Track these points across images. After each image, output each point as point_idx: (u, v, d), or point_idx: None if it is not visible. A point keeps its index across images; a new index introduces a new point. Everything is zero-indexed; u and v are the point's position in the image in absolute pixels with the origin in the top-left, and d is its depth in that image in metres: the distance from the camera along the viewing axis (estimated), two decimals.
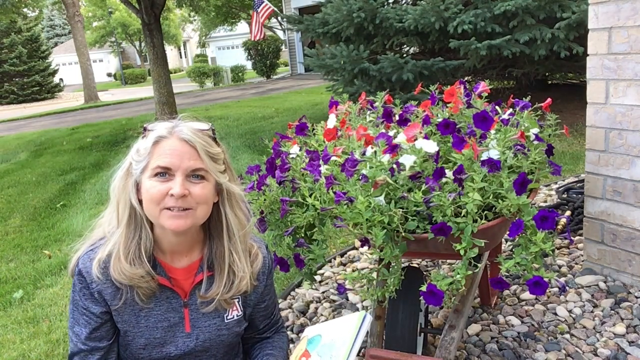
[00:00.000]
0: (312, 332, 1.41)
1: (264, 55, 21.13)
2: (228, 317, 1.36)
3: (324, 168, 1.66)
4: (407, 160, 1.47)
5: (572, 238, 2.69)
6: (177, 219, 1.19)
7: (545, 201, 3.37)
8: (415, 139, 1.55)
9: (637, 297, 2.15)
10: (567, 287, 2.28)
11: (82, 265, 1.25)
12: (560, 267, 2.47)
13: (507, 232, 1.46)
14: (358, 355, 1.98)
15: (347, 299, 2.44)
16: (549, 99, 1.95)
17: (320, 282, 2.66)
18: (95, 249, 1.27)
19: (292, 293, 2.59)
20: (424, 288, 1.42)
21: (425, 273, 2.54)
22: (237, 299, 1.37)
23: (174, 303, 1.30)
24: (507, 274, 2.42)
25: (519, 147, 1.57)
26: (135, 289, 1.24)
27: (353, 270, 2.71)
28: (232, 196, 1.29)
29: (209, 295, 1.30)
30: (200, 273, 1.31)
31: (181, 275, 1.31)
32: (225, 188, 1.27)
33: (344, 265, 2.84)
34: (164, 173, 1.19)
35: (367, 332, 1.83)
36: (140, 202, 1.23)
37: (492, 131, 1.60)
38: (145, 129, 1.25)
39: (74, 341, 1.27)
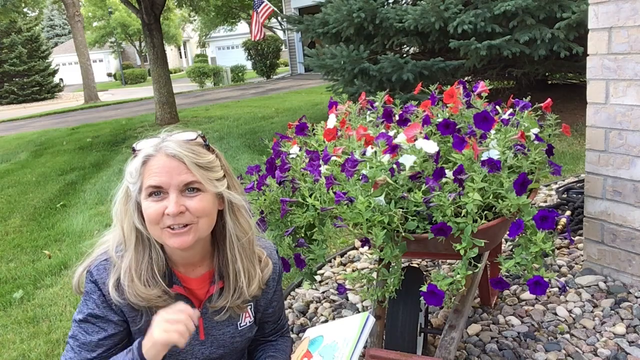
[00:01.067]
0: (314, 333, 1.41)
1: (264, 55, 21.13)
2: (241, 325, 1.36)
3: (324, 168, 1.66)
4: (407, 160, 1.47)
5: (573, 238, 2.69)
6: (179, 236, 1.17)
7: (545, 201, 3.36)
8: (416, 139, 1.55)
9: (637, 297, 2.15)
10: (567, 287, 2.28)
11: (97, 276, 1.22)
12: (560, 267, 2.47)
13: (507, 232, 1.46)
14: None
15: (347, 299, 2.44)
16: (548, 99, 1.95)
17: (320, 282, 2.66)
18: (108, 260, 1.24)
19: (292, 293, 2.58)
20: (424, 288, 1.42)
21: (425, 273, 2.54)
22: (250, 306, 1.37)
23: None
24: (507, 274, 2.42)
25: (519, 147, 1.57)
26: (153, 309, 1.22)
27: (353, 270, 2.71)
28: (233, 203, 1.27)
29: (218, 305, 1.29)
30: (214, 285, 1.30)
31: (196, 285, 1.30)
32: (225, 196, 1.24)
33: (344, 265, 2.84)
34: (158, 192, 1.16)
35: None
36: (144, 222, 1.21)
37: (492, 131, 1.60)
38: (134, 150, 1.22)
39: (76, 351, 1.23)
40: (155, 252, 1.23)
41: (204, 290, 1.30)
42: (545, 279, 1.39)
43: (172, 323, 1.12)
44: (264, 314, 1.43)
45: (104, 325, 1.23)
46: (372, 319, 1.29)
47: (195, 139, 1.22)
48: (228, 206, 1.26)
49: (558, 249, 2.65)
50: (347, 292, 2.45)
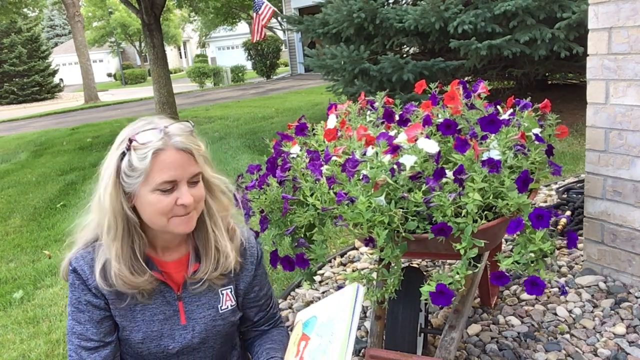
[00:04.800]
0: (305, 316, 1.40)
1: (264, 56, 21.13)
2: (222, 308, 1.38)
3: (324, 168, 1.66)
4: (408, 160, 1.47)
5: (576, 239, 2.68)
6: (186, 222, 1.23)
7: (545, 201, 3.36)
8: (416, 139, 1.55)
9: (637, 297, 2.15)
10: (566, 290, 2.27)
11: (75, 264, 1.27)
12: (560, 267, 2.47)
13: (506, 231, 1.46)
14: (358, 355, 1.99)
15: None
16: (546, 101, 1.95)
17: (320, 282, 2.66)
18: (87, 249, 1.29)
19: (292, 293, 2.59)
20: (425, 288, 1.41)
21: (425, 273, 2.54)
22: (230, 289, 1.39)
23: (168, 296, 1.32)
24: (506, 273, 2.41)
25: (519, 147, 1.56)
26: (139, 291, 1.27)
27: (353, 271, 2.71)
28: (212, 183, 1.32)
29: (197, 276, 1.32)
30: (190, 267, 1.33)
31: (173, 268, 1.33)
32: (210, 180, 1.30)
33: (344, 265, 2.84)
34: (169, 186, 1.20)
35: (369, 318, 1.82)
36: (133, 209, 1.23)
37: None
38: (131, 141, 1.18)
39: (75, 344, 1.27)
40: (138, 237, 1.25)
41: (182, 274, 1.33)
42: (543, 280, 1.39)
43: None
44: (246, 298, 1.44)
45: (93, 310, 1.26)
46: (362, 289, 1.28)
47: (192, 128, 1.28)
48: (207, 186, 1.31)
49: (558, 249, 2.65)
50: None
